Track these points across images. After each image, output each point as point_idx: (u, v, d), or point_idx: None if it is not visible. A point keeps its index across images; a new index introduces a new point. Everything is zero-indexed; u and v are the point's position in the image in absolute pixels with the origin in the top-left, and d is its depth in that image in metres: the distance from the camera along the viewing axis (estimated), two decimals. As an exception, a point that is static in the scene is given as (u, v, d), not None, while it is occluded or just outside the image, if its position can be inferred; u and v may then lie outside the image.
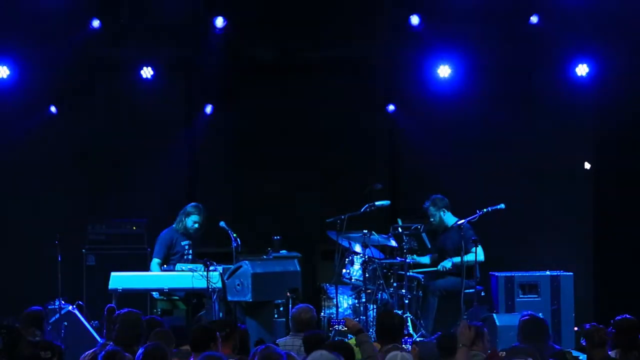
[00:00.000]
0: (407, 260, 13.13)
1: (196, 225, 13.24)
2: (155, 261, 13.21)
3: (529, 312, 9.94)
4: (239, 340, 9.12)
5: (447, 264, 13.39)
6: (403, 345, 8.84)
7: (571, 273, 13.54)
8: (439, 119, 15.09)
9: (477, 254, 12.96)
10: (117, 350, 8.13)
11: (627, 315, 9.49)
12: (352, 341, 9.04)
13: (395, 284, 13.24)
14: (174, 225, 13.35)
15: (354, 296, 13.26)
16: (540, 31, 14.60)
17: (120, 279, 12.49)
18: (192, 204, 13.40)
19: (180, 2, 14.37)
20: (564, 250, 14.75)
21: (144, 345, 8.04)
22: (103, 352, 8.14)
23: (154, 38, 14.62)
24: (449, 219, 13.51)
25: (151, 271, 13.15)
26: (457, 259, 13.18)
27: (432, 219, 13.56)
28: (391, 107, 15.46)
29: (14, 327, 8.59)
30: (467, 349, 8.59)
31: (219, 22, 14.58)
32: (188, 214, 13.27)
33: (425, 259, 13.74)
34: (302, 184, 15.39)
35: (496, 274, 13.55)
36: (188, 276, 12.41)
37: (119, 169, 15.03)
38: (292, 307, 11.07)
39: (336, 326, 9.31)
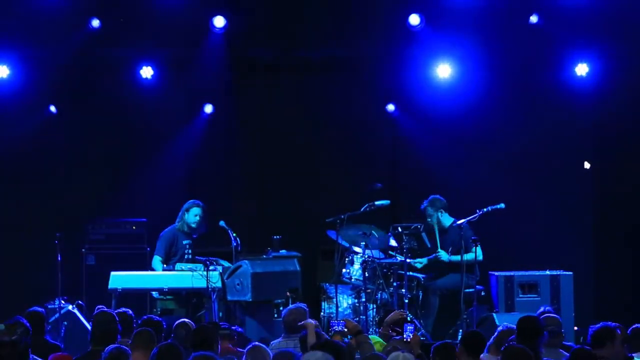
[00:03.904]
0: (407, 261, 13.13)
1: (197, 218, 13.26)
2: (157, 258, 13.24)
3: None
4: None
5: (443, 255, 13.38)
6: (405, 334, 8.88)
7: (571, 273, 13.53)
8: (439, 118, 15.08)
9: (477, 253, 12.97)
10: (122, 350, 8.15)
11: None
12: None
13: (395, 284, 13.24)
14: (175, 225, 13.38)
15: (353, 296, 13.26)
16: (540, 31, 14.60)
17: (120, 279, 12.51)
18: (190, 200, 13.44)
19: (180, 2, 14.36)
20: (564, 250, 14.73)
21: (158, 344, 8.07)
22: (106, 352, 8.15)
23: (154, 38, 14.62)
24: (446, 220, 13.52)
25: (153, 268, 13.20)
26: (455, 257, 13.22)
27: (429, 219, 13.56)
28: (391, 107, 15.46)
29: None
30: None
31: (219, 21, 14.58)
32: (188, 210, 13.31)
33: (423, 261, 13.71)
34: (301, 184, 15.39)
35: (496, 273, 13.55)
36: (188, 276, 12.42)
37: (119, 169, 15.03)
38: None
39: (335, 327, 9.30)
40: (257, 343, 8.67)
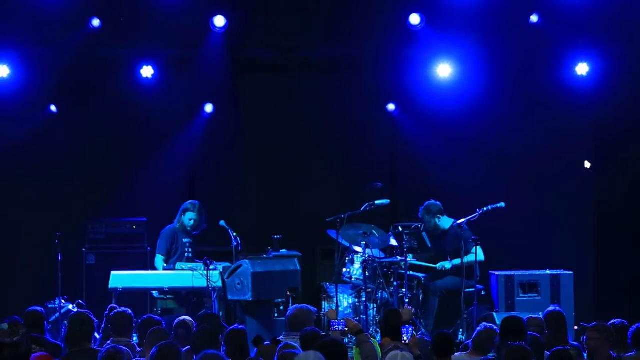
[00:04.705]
0: (407, 260, 13.12)
1: (192, 222, 13.29)
2: (159, 257, 13.26)
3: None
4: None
5: (447, 264, 13.39)
6: (404, 336, 8.89)
7: (571, 272, 13.54)
8: (439, 118, 15.08)
9: (478, 253, 12.97)
10: (117, 350, 8.14)
11: None
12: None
13: (395, 283, 13.23)
14: (175, 224, 13.39)
15: (354, 295, 13.26)
16: (540, 30, 14.60)
17: (120, 278, 12.52)
18: (190, 201, 13.46)
19: (180, 2, 14.35)
20: (564, 250, 14.74)
21: (157, 344, 8.07)
22: (102, 352, 8.14)
23: (154, 38, 14.61)
24: (445, 222, 13.50)
25: (155, 267, 13.21)
26: (457, 261, 13.21)
27: (427, 226, 13.54)
28: (391, 107, 15.47)
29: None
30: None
31: (219, 21, 14.57)
32: (184, 212, 13.35)
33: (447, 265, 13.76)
34: (301, 183, 15.41)
35: (496, 273, 13.55)
36: (188, 275, 12.43)
37: (119, 168, 15.03)
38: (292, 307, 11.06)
39: (335, 327, 9.30)
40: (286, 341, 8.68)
